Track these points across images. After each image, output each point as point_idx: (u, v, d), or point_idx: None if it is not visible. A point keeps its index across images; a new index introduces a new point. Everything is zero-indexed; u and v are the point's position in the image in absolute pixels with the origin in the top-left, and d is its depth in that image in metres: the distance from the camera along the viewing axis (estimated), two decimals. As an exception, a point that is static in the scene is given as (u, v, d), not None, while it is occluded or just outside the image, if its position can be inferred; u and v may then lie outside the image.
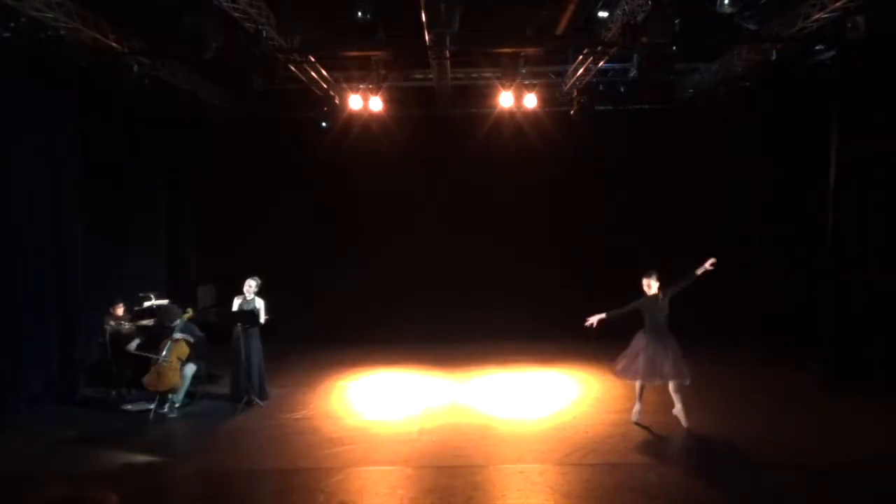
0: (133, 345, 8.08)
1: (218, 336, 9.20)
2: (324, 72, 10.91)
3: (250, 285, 8.39)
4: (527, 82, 11.58)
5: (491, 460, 6.52)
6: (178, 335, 8.15)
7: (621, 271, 13.31)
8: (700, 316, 12.82)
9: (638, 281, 13.46)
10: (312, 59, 10.20)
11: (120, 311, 9.45)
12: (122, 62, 9.35)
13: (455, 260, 13.70)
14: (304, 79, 11.05)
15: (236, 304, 8.38)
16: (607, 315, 7.58)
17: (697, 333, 12.42)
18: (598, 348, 11.54)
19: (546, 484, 5.84)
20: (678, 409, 7.43)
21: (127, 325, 9.28)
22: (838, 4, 7.81)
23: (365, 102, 11.49)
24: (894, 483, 5.94)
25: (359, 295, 13.53)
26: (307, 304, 13.07)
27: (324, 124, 11.60)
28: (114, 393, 9.00)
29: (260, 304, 8.36)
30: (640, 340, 7.47)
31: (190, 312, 8.82)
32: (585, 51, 10.12)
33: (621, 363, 7.53)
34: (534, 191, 13.65)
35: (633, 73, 10.90)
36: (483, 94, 12.52)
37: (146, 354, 8.06)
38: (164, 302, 10.07)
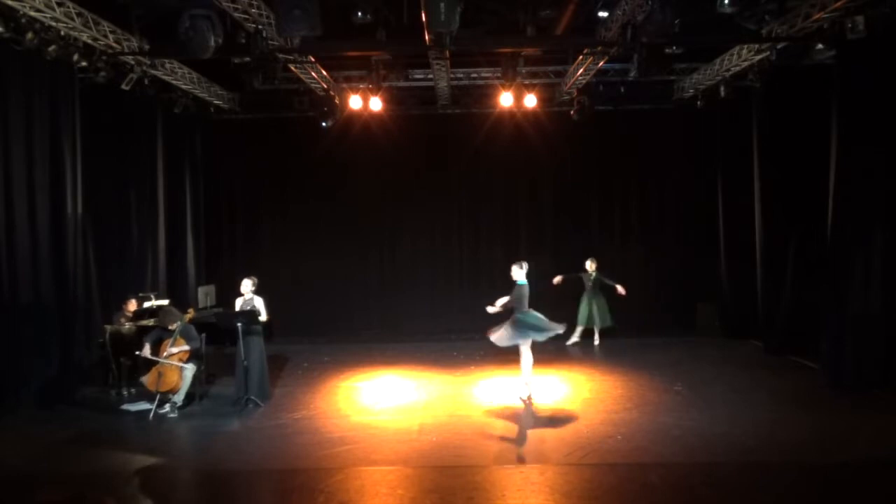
0: (146, 350, 8.07)
1: (218, 337, 9.21)
2: (324, 72, 10.92)
3: (247, 285, 8.40)
4: (527, 82, 11.60)
5: (491, 460, 6.52)
6: (173, 350, 8.10)
7: (621, 271, 13.44)
8: (701, 316, 12.90)
9: (636, 281, 13.44)
10: (312, 60, 10.21)
11: (132, 306, 9.45)
12: (122, 62, 9.37)
13: (456, 260, 13.72)
14: (304, 79, 11.06)
15: (238, 305, 8.39)
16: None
17: (698, 333, 12.51)
18: (596, 349, 11.64)
19: (546, 484, 5.84)
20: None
21: (127, 326, 9.29)
22: (838, 4, 7.82)
23: (365, 102, 11.51)
24: (894, 483, 5.94)
25: (359, 295, 13.54)
26: (307, 303, 13.08)
27: (324, 124, 11.60)
28: (114, 393, 9.02)
29: (259, 302, 8.35)
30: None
31: (191, 313, 8.81)
32: (585, 51, 10.13)
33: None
34: (534, 191, 13.67)
35: (633, 73, 10.91)
36: (483, 94, 12.54)
37: (153, 358, 8.05)
38: (164, 302, 10.08)
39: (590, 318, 11.81)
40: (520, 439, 7.12)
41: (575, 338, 11.82)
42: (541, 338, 8.35)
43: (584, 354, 11.01)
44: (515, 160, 13.20)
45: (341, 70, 11.82)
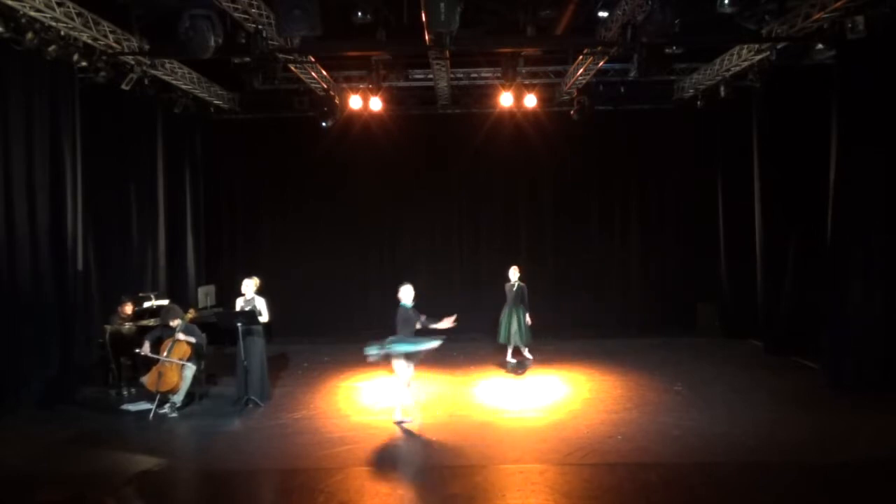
0: (146, 348, 8.07)
1: (218, 336, 9.20)
2: (324, 72, 10.92)
3: (249, 285, 8.40)
4: (527, 82, 11.59)
5: (491, 460, 6.51)
6: (180, 336, 8.14)
7: (620, 271, 13.47)
8: (701, 316, 12.90)
9: (636, 281, 13.35)
10: (312, 60, 10.21)
11: (128, 309, 9.46)
12: (122, 62, 9.37)
13: (455, 260, 13.72)
14: (304, 79, 11.06)
15: (238, 305, 8.40)
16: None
17: (698, 333, 12.50)
18: (596, 349, 11.62)
19: (546, 484, 5.84)
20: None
21: (127, 326, 9.29)
22: (838, 4, 7.82)
23: (365, 102, 11.51)
24: (894, 483, 5.94)
25: (359, 294, 13.54)
26: (307, 303, 13.08)
27: (324, 124, 11.59)
28: (114, 393, 9.02)
29: (261, 303, 8.36)
30: None
31: (192, 313, 8.81)
32: (585, 51, 10.13)
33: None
34: (534, 191, 13.67)
35: (633, 73, 10.90)
36: (483, 94, 12.54)
37: (153, 356, 8.06)
38: (165, 302, 10.07)
39: (509, 335, 10.46)
40: (520, 439, 7.11)
41: (509, 358, 10.56)
42: (411, 349, 7.45)
43: (584, 354, 10.98)
44: (515, 160, 13.20)
45: (341, 70, 11.82)
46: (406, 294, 7.71)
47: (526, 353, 10.65)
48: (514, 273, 10.59)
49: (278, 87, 12.12)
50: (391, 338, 7.47)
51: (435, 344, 7.43)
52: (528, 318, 10.41)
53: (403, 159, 13.16)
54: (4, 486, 6.10)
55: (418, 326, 7.61)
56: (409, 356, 7.50)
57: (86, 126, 9.22)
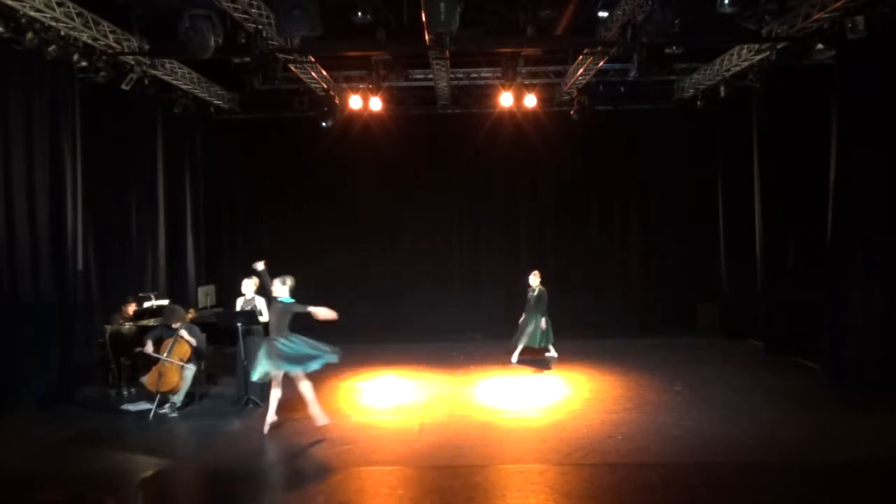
0: (149, 347, 8.07)
1: (218, 336, 9.19)
2: (324, 72, 10.92)
3: (249, 285, 8.40)
4: (527, 82, 11.60)
5: (491, 460, 6.51)
6: (183, 333, 8.14)
7: (620, 271, 13.47)
8: (701, 316, 12.90)
9: (636, 281, 13.29)
10: (312, 60, 10.21)
11: (131, 309, 9.45)
12: (122, 62, 9.37)
13: (455, 260, 13.72)
14: (304, 79, 11.06)
15: (239, 305, 8.40)
16: None
17: (698, 333, 12.50)
18: (596, 349, 11.62)
19: (546, 484, 5.84)
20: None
21: (127, 326, 9.29)
22: (838, 4, 7.83)
23: (365, 102, 11.52)
24: (894, 483, 5.94)
25: (358, 295, 13.53)
26: (306, 303, 13.05)
27: (324, 124, 11.60)
28: (114, 393, 9.02)
29: (261, 303, 8.36)
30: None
31: (192, 313, 8.82)
32: (585, 51, 10.13)
33: None
34: (534, 191, 13.68)
35: (633, 73, 10.91)
36: (483, 94, 12.55)
37: (155, 355, 8.06)
38: (165, 302, 10.07)
39: (534, 338, 10.51)
40: (520, 439, 7.11)
41: (514, 359, 10.59)
42: (316, 365, 7.22)
43: (584, 354, 10.98)
44: (515, 160, 13.20)
45: (341, 70, 11.82)
46: (280, 288, 7.27)
47: (552, 350, 10.80)
48: (534, 279, 10.68)
49: (278, 87, 12.13)
50: (278, 348, 7.06)
51: (329, 360, 7.27)
52: (542, 323, 10.50)
53: (403, 159, 13.16)
54: (4, 486, 6.10)
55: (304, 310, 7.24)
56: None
57: (86, 126, 9.22)
